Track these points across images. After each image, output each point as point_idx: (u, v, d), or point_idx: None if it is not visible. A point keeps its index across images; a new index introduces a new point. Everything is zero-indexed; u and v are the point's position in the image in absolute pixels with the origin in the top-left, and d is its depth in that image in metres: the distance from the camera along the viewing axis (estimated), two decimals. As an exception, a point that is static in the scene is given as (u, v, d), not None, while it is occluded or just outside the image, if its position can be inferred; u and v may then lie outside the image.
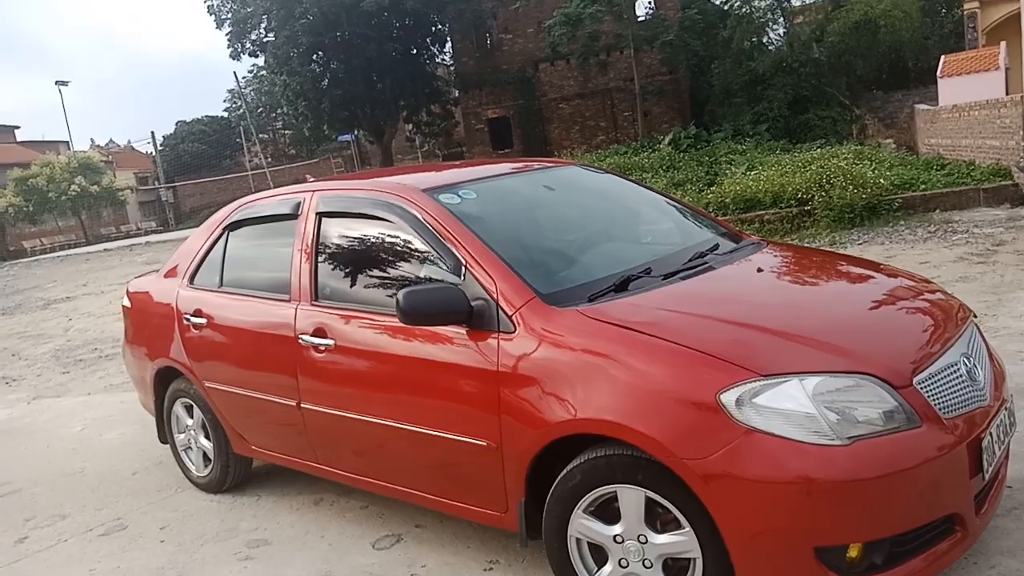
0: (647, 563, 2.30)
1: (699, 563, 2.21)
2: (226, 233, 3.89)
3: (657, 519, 2.28)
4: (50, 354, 8.75)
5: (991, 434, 2.30)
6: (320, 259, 3.27)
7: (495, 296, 2.60)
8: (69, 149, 43.15)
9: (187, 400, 3.97)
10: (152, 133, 48.34)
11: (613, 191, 3.73)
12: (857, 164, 11.46)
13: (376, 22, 25.91)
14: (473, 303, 2.61)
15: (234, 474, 3.90)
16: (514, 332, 2.53)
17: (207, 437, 3.91)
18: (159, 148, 47.85)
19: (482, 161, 4.19)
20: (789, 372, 2.13)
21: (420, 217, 2.91)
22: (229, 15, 27.69)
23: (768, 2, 22.77)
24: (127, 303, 4.45)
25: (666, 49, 23.22)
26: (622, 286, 2.66)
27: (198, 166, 49.12)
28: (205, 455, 3.96)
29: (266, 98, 39.86)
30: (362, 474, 3.17)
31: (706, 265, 2.90)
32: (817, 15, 22.39)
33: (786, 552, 2.07)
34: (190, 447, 4.07)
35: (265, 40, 27.89)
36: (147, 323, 4.21)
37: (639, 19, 25.64)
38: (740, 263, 2.99)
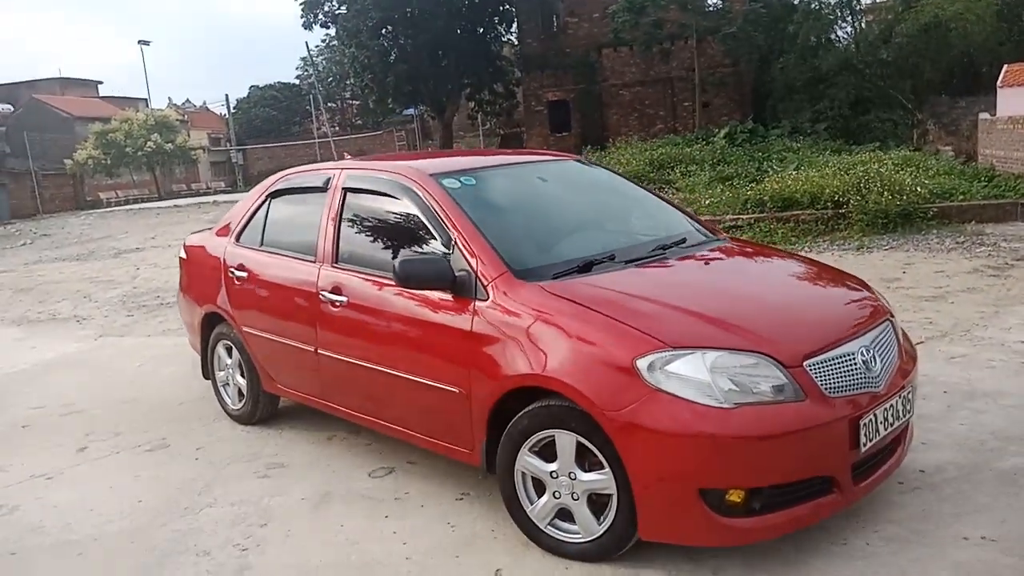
0: (575, 496, 2.80)
1: (615, 499, 2.70)
2: (268, 200, 4.48)
3: (586, 460, 2.77)
4: (117, 299, 9.61)
5: (875, 415, 2.72)
6: (342, 228, 3.82)
7: (475, 268, 3.11)
8: (147, 106, 44.99)
9: (228, 342, 4.60)
10: (226, 96, 50.05)
11: (602, 186, 4.22)
12: (900, 171, 11.56)
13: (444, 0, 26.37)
14: (457, 273, 3.13)
15: (263, 409, 4.51)
16: (487, 299, 3.04)
17: (242, 375, 4.53)
18: (232, 111, 49.49)
19: (492, 151, 4.70)
20: (694, 346, 2.60)
21: (423, 197, 3.44)
22: (304, -16, 28.52)
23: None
24: (183, 255, 5.09)
25: (728, 41, 23.17)
26: (585, 268, 3.15)
27: (268, 131, 50.61)
28: (240, 391, 4.58)
29: (336, 68, 40.79)
30: (363, 413, 3.73)
31: (664, 255, 3.37)
32: (887, 15, 22.01)
33: (675, 491, 2.55)
34: (228, 383, 4.70)
35: (337, 12, 28.65)
36: (199, 274, 4.84)
37: (707, 9, 25.54)
38: (695, 255, 3.45)
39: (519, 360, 2.88)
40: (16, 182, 36.93)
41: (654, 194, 4.28)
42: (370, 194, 3.78)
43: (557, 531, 2.89)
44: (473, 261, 3.13)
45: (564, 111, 27.97)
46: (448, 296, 3.16)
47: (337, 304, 3.65)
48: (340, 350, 3.68)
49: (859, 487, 2.73)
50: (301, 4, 28.84)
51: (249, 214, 4.55)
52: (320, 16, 29.22)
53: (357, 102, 41.49)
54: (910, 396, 2.97)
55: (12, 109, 45.54)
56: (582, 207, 3.98)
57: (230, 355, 4.61)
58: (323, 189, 4.01)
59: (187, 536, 3.32)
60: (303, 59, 44.25)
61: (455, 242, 3.22)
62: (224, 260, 4.53)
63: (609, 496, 2.72)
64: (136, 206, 33.81)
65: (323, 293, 3.73)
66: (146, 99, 47.72)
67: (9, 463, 4.34)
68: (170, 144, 38.53)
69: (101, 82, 56.53)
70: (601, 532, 2.75)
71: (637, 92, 26.81)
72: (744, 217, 10.89)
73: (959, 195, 10.58)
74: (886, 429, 2.79)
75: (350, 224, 3.83)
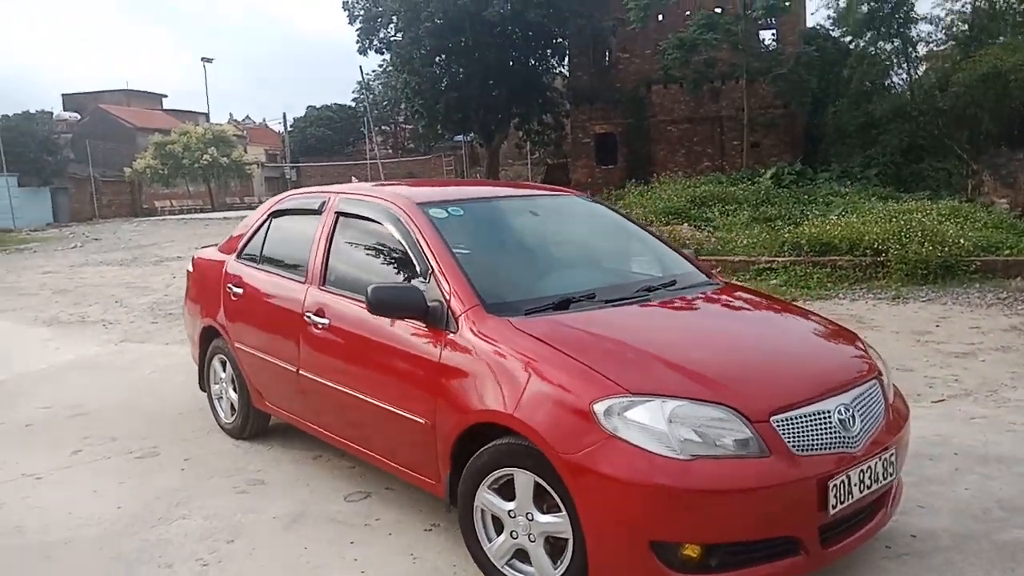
0: (532, 538, 2.71)
1: (571, 544, 2.60)
2: (270, 219, 4.52)
3: (545, 502, 2.68)
4: (147, 305, 9.81)
5: (848, 476, 2.58)
6: (332, 251, 3.82)
7: (447, 299, 3.06)
8: (207, 121, 46.37)
9: (222, 356, 4.62)
10: (284, 114, 51.33)
11: (599, 224, 4.16)
12: (946, 221, 11.22)
13: (498, 31, 26.67)
14: (430, 303, 3.09)
15: (253, 424, 4.51)
16: (457, 332, 2.99)
17: (234, 390, 4.54)
18: (289, 129, 50.69)
19: (487, 182, 4.71)
20: (654, 393, 2.51)
21: (407, 225, 3.42)
22: (361, 12, 29.16)
23: (894, 45, 22.12)
24: (191, 268, 5.17)
25: (779, 83, 22.96)
26: (561, 305, 3.08)
27: (322, 150, 51.65)
28: (232, 405, 4.60)
29: (390, 93, 41.55)
30: (340, 436, 3.69)
31: (647, 297, 3.28)
32: (944, 63, 21.59)
33: (626, 541, 2.44)
34: (221, 397, 4.72)
35: (392, 39, 29.21)
36: (201, 287, 4.90)
37: (761, 50, 25.37)
38: (680, 299, 3.35)
39: (481, 395, 2.82)
40: (78, 187, 38.35)
41: (654, 235, 4.19)
42: (360, 219, 3.78)
43: (514, 572, 2.79)
44: (447, 291, 3.09)
45: (611, 144, 27.97)
46: (421, 326, 3.12)
47: (319, 326, 3.64)
48: (320, 372, 3.66)
49: (829, 551, 2.58)
50: (357, 30, 29.50)
51: (252, 232, 4.60)
52: (376, 42, 29.83)
53: (410, 126, 42.16)
54: (893, 458, 2.81)
55: (79, 118, 47.34)
56: (572, 244, 3.94)
57: (224, 369, 4.64)
58: (318, 212, 4.02)
59: (155, 547, 3.31)
60: (359, 82, 45.14)
61: (432, 271, 3.19)
62: (224, 275, 4.57)
63: (566, 540, 2.62)
64: (188, 216, 34.77)
65: (308, 314, 3.72)
66: (206, 114, 49.21)
67: (3, 461, 4.41)
68: (225, 158, 39.58)
69: (165, 95, 58.54)
70: (557, 577, 2.65)
71: (685, 129, 26.68)
72: (780, 260, 10.66)
73: (1006, 249, 10.22)
74: (861, 491, 2.64)
75: (339, 248, 3.83)
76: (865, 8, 21.42)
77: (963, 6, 21.58)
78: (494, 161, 31.48)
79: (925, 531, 3.21)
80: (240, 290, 4.37)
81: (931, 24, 22.01)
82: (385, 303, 3.11)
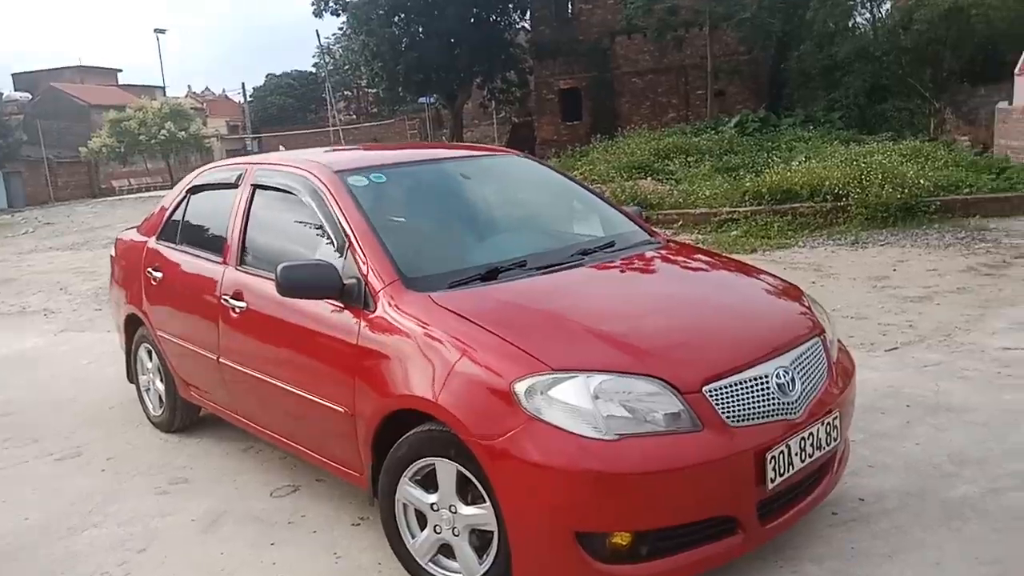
0: (456, 531, 2.52)
1: (495, 537, 2.41)
2: (188, 195, 4.22)
3: (468, 492, 2.49)
4: (92, 291, 9.44)
5: (788, 446, 2.41)
6: (248, 227, 3.55)
7: (366, 275, 2.82)
8: (164, 95, 45.06)
9: (148, 346, 4.36)
10: (243, 84, 50.19)
11: (537, 185, 3.89)
12: (907, 162, 11.09)
13: (458, -15, 25.89)
14: (346, 281, 2.85)
15: (182, 416, 4.27)
16: (374, 311, 2.76)
17: (161, 381, 4.29)
18: (248, 99, 49.48)
19: (419, 145, 4.46)
20: (578, 369, 2.30)
21: (324, 195, 3.15)
22: (316, -30, 28.26)
23: (857, -17, 21.80)
24: (113, 252, 4.87)
25: (742, 28, 22.58)
26: (489, 276, 2.85)
27: (284, 118, 50.57)
28: (160, 397, 4.35)
29: (351, 56, 40.59)
30: (263, 427, 3.48)
31: (581, 261, 3.06)
32: (907, 1, 21.31)
33: (549, 534, 2.26)
34: (149, 388, 4.47)
35: (347, 0, 28.37)
36: (124, 272, 4.61)
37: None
38: (615, 262, 3.13)
39: (401, 379, 2.60)
40: (32, 170, 37.19)
41: (595, 194, 3.95)
42: (276, 191, 3.50)
43: (439, 569, 2.61)
44: (364, 267, 2.85)
45: (576, 99, 27.52)
46: (339, 305, 2.89)
47: (237, 310, 3.39)
48: (240, 360, 3.42)
49: (768, 527, 2.42)
50: (312, -10, 28.60)
51: (170, 210, 4.31)
52: (331, 3, 28.94)
53: (372, 91, 41.25)
54: (837, 422, 2.64)
55: (30, 97, 45.82)
56: (506, 208, 3.68)
57: (151, 359, 4.38)
58: (235, 185, 3.74)
59: (59, 563, 3.07)
60: (318, 47, 44.01)
61: (349, 246, 2.94)
62: (144, 258, 4.29)
63: (492, 534, 2.44)
64: (147, 194, 33.91)
65: (225, 297, 3.47)
66: (163, 88, 47.87)
67: (-85, 472, 4.14)
68: (183, 132, 38.50)
69: (120, 70, 56.96)
70: (482, 573, 2.47)
71: (650, 80, 26.28)
72: (741, 210, 10.49)
73: (965, 188, 10.12)
74: (803, 461, 2.48)
75: (256, 223, 3.56)
76: (828, -56, 21.06)
77: (924, -60, 21.26)
78: (458, 122, 30.91)
79: (874, 493, 3.07)
80: (160, 274, 4.10)
81: (893, -40, 21.74)
82: (296, 283, 2.85)
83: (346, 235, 2.97)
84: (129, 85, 53.22)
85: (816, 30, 21.99)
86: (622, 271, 3.08)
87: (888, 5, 22.12)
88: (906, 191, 9.53)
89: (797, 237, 9.27)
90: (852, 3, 22.63)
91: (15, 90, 48.07)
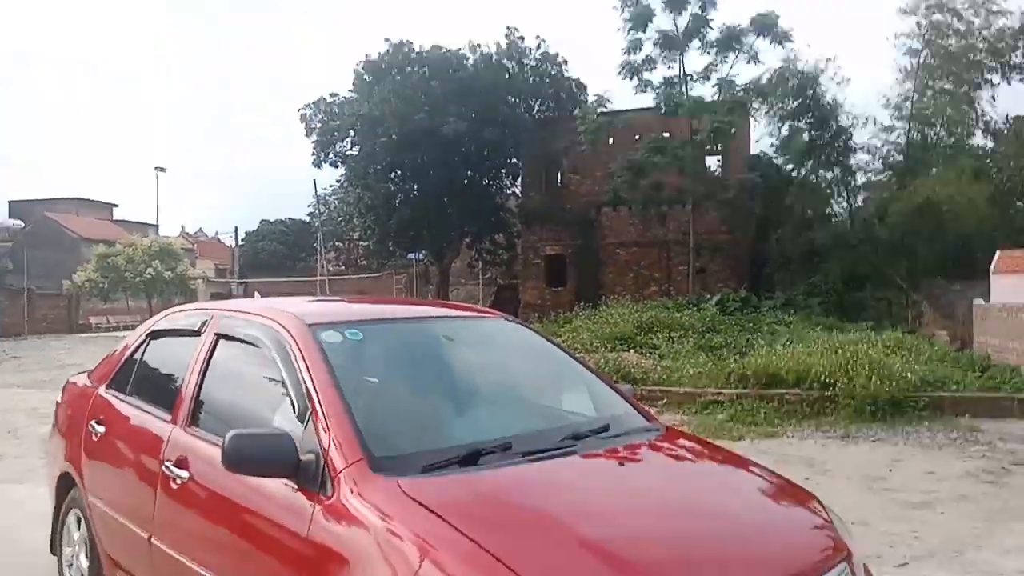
0: None
1: None
2: (148, 340, 3.88)
3: None
4: (44, 436, 8.79)
5: None
6: (205, 382, 3.18)
7: (326, 450, 2.47)
8: (156, 233, 45.63)
9: (78, 512, 3.86)
10: (236, 228, 50.77)
11: (525, 352, 3.60)
12: (892, 353, 11.05)
13: (453, 148, 26.87)
14: (303, 456, 2.48)
15: (106, 606, 3.70)
16: (332, 496, 2.39)
17: (87, 556, 3.75)
18: (240, 243, 50.18)
19: (403, 300, 4.21)
20: None
21: (290, 351, 2.83)
22: (318, 125, 29.46)
23: (834, 174, 22.90)
24: (59, 398, 4.46)
25: (724, 208, 23.44)
26: (469, 459, 2.51)
27: (274, 265, 51.09)
28: (82, 576, 3.80)
29: (345, 208, 41.66)
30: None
31: (572, 448, 2.73)
32: (882, 192, 22.33)
33: None
34: (72, 564, 3.91)
35: (347, 153, 29.42)
36: (66, 422, 4.20)
37: (707, 175, 25.96)
38: (611, 452, 2.80)
39: (354, 587, 2.20)
40: (12, 300, 36.71)
41: (586, 367, 3.67)
42: (241, 343, 3.15)
43: None
44: (326, 439, 2.48)
45: (561, 266, 28.00)
46: (292, 484, 2.50)
47: (178, 481, 2.98)
48: (172, 542, 2.96)
49: None
50: (314, 142, 29.69)
51: (127, 355, 3.94)
52: (331, 155, 29.97)
53: (364, 243, 42.03)
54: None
55: (22, 225, 46.22)
56: (491, 377, 3.37)
57: (79, 528, 3.86)
58: (197, 333, 3.41)
59: None
60: (314, 196, 45.18)
61: (312, 411, 2.59)
62: (89, 409, 3.89)
63: None
64: (122, 332, 33.32)
65: (167, 464, 3.06)
66: (156, 225, 48.57)
67: None
68: (170, 272, 38.58)
69: (117, 205, 57.79)
70: None
71: (634, 252, 26.89)
72: (726, 392, 10.29)
73: (952, 384, 10.03)
74: None
75: (215, 378, 3.19)
76: (805, 137, 22.28)
77: (897, 137, 22.61)
78: (444, 280, 31.29)
79: None
80: (103, 428, 3.68)
81: (868, 154, 22.95)
82: (245, 456, 2.45)
83: (310, 398, 2.63)
84: (123, 220, 54.02)
85: (795, 215, 22.88)
86: (620, 464, 2.75)
87: (863, 195, 23.14)
88: (894, 384, 9.38)
89: (785, 425, 8.99)
90: (829, 192, 23.72)
91: (9, 216, 48.61)
